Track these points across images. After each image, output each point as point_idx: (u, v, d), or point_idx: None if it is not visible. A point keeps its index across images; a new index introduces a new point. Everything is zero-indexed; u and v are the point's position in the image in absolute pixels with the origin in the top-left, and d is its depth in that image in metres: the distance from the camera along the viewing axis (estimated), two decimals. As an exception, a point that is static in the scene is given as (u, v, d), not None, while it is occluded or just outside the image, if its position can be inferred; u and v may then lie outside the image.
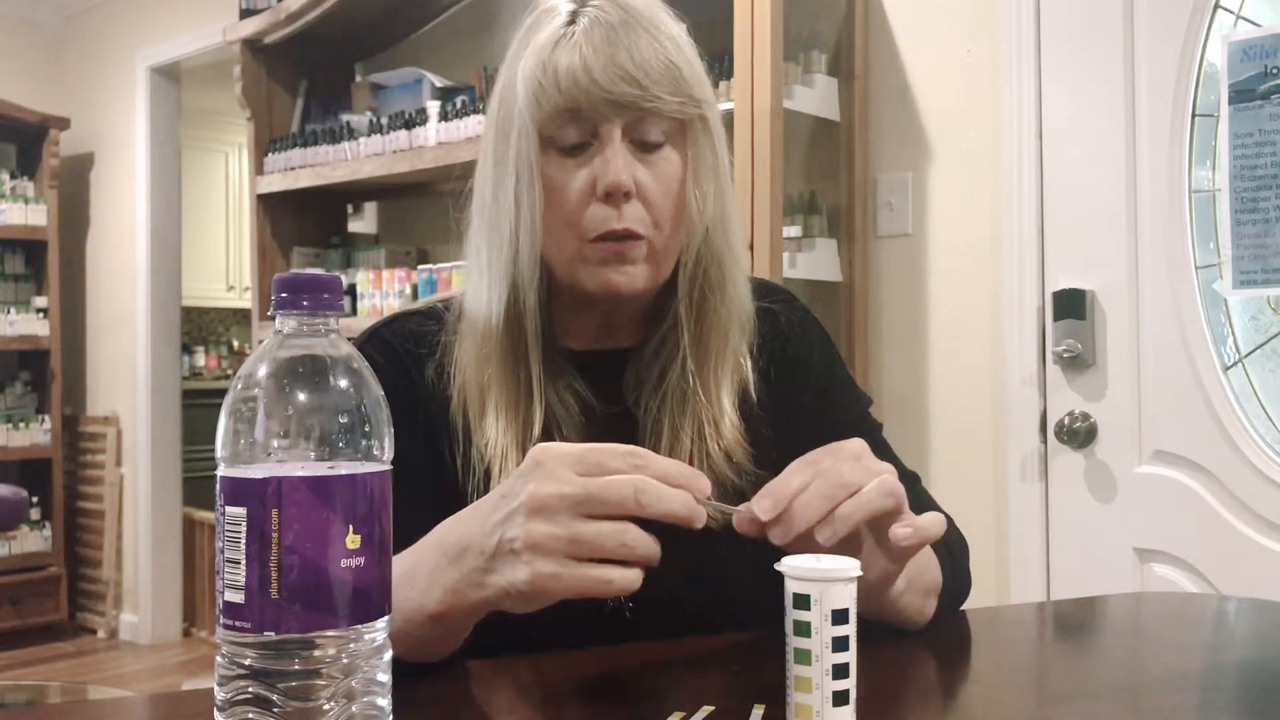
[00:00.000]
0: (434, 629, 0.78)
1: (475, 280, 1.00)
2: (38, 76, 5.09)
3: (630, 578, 0.71)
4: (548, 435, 0.96)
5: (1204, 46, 2.04)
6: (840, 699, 0.66)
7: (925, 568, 0.92)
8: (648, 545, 0.72)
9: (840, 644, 0.66)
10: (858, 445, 0.80)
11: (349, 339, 0.66)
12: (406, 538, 0.92)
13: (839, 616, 0.66)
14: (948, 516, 1.04)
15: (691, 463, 0.96)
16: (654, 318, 1.01)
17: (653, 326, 1.01)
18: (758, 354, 1.04)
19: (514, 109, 0.95)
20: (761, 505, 0.75)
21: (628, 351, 1.02)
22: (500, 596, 0.73)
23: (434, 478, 0.98)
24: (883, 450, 1.08)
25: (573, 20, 0.93)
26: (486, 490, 0.94)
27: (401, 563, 0.79)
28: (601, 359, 1.02)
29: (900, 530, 0.77)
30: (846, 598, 0.66)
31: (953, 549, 0.99)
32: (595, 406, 0.99)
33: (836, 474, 0.76)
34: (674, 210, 0.95)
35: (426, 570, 0.78)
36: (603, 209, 0.93)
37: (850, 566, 0.67)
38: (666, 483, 0.72)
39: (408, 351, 1.01)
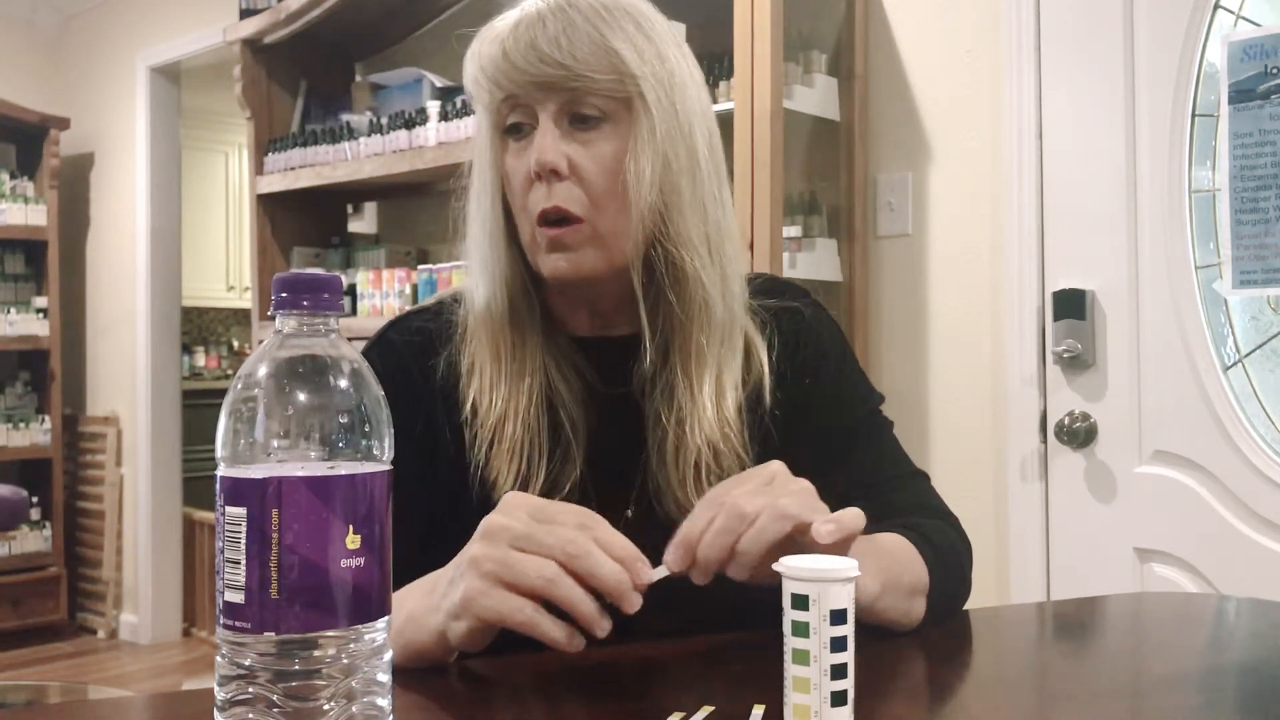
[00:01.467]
0: (405, 652, 0.81)
1: (469, 268, 1.04)
2: (38, 76, 5.09)
3: (549, 627, 0.74)
4: (551, 410, 0.98)
5: (1204, 46, 2.04)
6: (838, 699, 0.66)
7: (904, 569, 0.91)
8: (573, 594, 0.73)
9: (838, 644, 0.66)
10: (773, 468, 0.83)
11: (353, 340, 0.67)
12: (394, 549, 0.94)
13: (837, 617, 0.66)
14: (951, 517, 1.04)
15: (675, 453, 0.97)
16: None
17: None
18: (774, 353, 1.04)
19: (475, 106, 1.01)
20: (674, 557, 0.78)
21: (632, 339, 1.02)
22: (446, 619, 0.78)
23: (435, 475, 0.99)
24: (891, 449, 1.08)
25: (514, 19, 0.97)
26: (488, 467, 0.97)
27: (405, 591, 0.85)
28: (608, 345, 1.03)
29: (823, 528, 0.77)
30: (845, 598, 0.66)
31: (941, 547, 0.97)
32: (598, 387, 1.01)
33: (735, 507, 0.78)
34: (613, 189, 0.95)
35: (412, 598, 0.84)
36: (540, 189, 0.95)
37: (848, 567, 0.67)
38: (606, 553, 0.74)
39: (413, 348, 1.03)
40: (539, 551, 0.74)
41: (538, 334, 1.00)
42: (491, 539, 0.76)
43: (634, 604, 0.74)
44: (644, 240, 0.96)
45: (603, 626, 0.74)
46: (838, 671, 0.66)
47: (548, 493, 0.96)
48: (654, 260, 0.97)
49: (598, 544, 0.74)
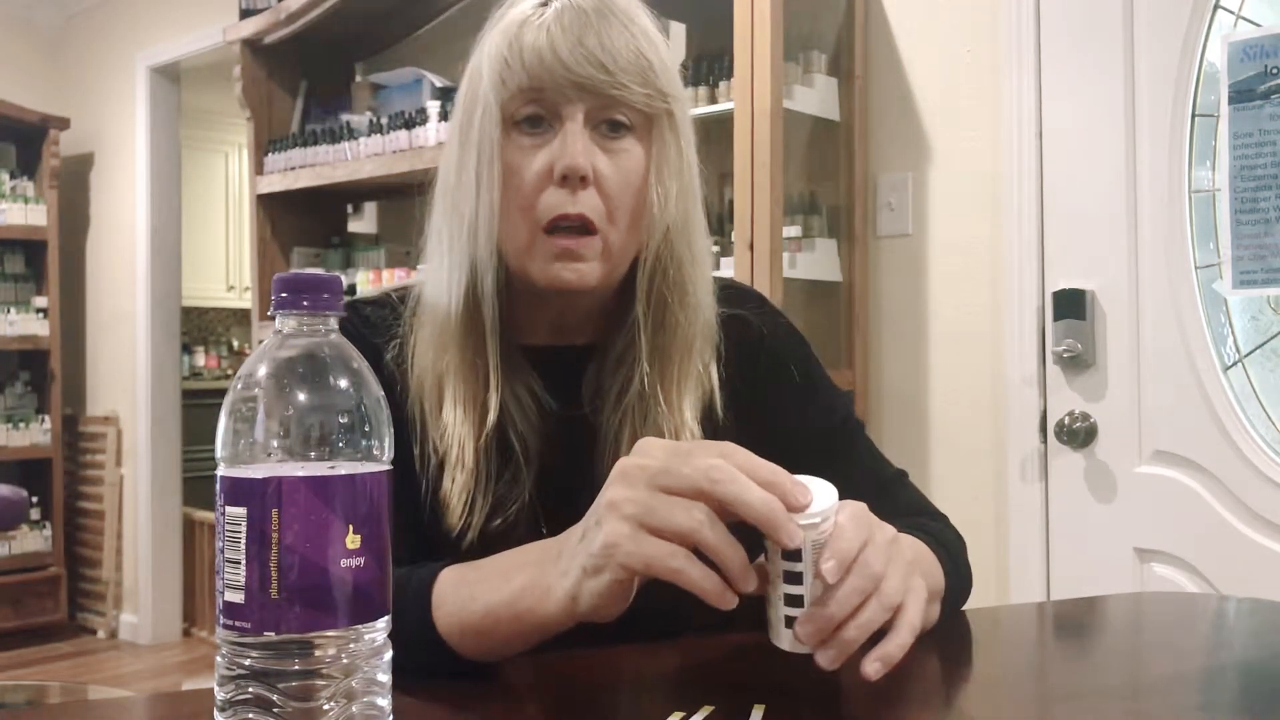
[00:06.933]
0: (512, 626, 0.76)
1: (435, 265, 0.98)
2: (38, 76, 5.09)
3: (700, 576, 0.67)
4: (501, 431, 0.94)
5: (1204, 46, 2.04)
6: None
7: (931, 576, 0.92)
8: (723, 542, 0.67)
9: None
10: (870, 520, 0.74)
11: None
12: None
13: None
14: (942, 516, 1.04)
15: None
16: (611, 317, 0.99)
17: (610, 326, 0.99)
18: (726, 363, 1.01)
19: (479, 89, 0.94)
20: (808, 631, 0.69)
21: (584, 350, 1.00)
22: (580, 579, 0.71)
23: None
24: (869, 452, 1.07)
25: (545, 3, 0.92)
26: (439, 483, 0.92)
27: (500, 561, 0.80)
28: (557, 357, 0.99)
29: (870, 667, 0.70)
30: (827, 531, 0.70)
31: (952, 550, 0.97)
32: (551, 407, 0.97)
33: (888, 599, 0.71)
34: (632, 205, 0.93)
35: (523, 570, 0.77)
36: (558, 194, 0.91)
37: (830, 493, 0.71)
38: (751, 477, 0.68)
39: (363, 338, 0.97)
40: (682, 488, 0.68)
41: (495, 341, 0.95)
42: (628, 480, 0.69)
43: (794, 538, 0.67)
44: (652, 256, 0.94)
45: (750, 581, 0.68)
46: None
47: (492, 514, 0.93)
48: (653, 275, 0.95)
49: (741, 469, 0.68)
